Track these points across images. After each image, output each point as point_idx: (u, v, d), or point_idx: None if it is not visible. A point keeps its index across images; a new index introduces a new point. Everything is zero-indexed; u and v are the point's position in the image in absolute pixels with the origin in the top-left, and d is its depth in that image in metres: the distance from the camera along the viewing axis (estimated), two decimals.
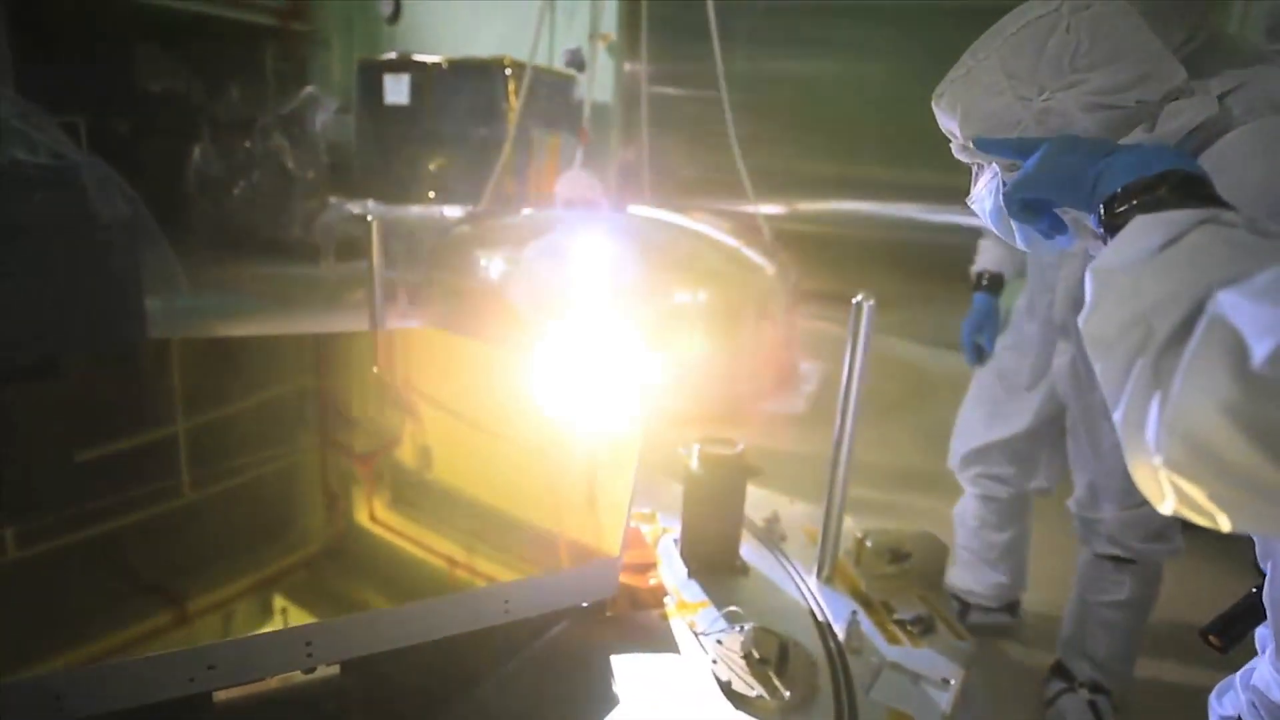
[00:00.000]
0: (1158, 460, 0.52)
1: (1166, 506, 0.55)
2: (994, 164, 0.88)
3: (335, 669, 0.94)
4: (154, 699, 0.74)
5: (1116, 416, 0.56)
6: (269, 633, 0.78)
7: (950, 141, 0.90)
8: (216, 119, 7.14)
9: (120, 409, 1.51)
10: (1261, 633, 1.02)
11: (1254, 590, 0.95)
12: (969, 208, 0.96)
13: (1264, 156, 0.78)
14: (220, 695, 0.92)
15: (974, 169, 0.93)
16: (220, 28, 7.42)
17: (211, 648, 0.75)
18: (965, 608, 2.31)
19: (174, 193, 7.00)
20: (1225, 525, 0.52)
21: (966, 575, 2.32)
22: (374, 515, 1.14)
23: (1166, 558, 1.94)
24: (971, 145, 0.87)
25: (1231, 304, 0.49)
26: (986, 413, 2.18)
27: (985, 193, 0.92)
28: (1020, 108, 0.81)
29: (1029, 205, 0.78)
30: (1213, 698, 1.01)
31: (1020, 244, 0.91)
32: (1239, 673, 1.01)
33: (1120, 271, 0.59)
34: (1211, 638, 0.95)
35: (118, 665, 0.72)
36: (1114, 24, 0.79)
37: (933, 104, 0.89)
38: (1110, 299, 0.59)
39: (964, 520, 2.32)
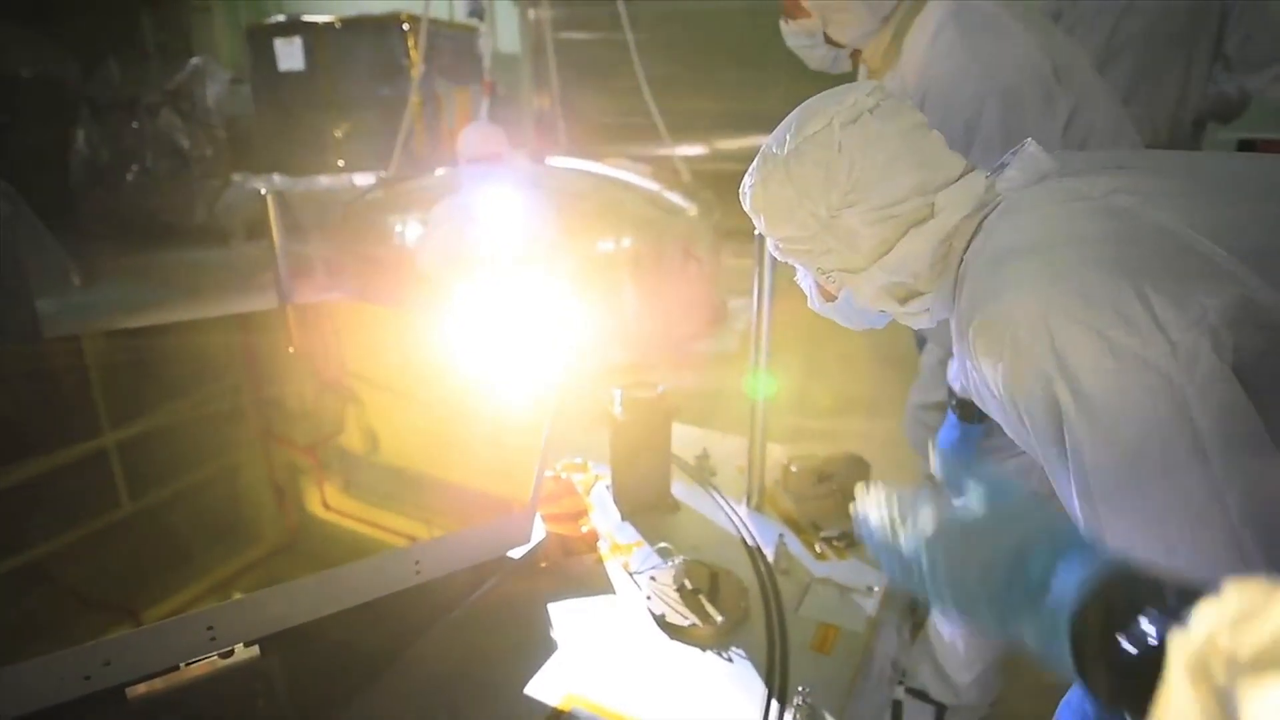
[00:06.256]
0: None
1: None
2: (802, 265, 0.95)
3: (255, 649, 0.92)
4: (48, 704, 0.71)
5: None
6: (162, 621, 0.76)
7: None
8: (97, 100, 6.62)
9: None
10: None
11: None
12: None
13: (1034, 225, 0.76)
14: (140, 689, 0.89)
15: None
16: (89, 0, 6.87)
17: (103, 644, 0.72)
18: None
19: (61, 184, 6.54)
20: None
21: None
22: (292, 489, 1.11)
23: None
24: (781, 248, 0.94)
25: None
26: None
27: (805, 286, 1.01)
28: (813, 223, 0.87)
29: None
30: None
31: (844, 323, 0.99)
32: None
33: None
34: None
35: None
36: (882, 135, 0.82)
37: (740, 201, 0.94)
38: None
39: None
